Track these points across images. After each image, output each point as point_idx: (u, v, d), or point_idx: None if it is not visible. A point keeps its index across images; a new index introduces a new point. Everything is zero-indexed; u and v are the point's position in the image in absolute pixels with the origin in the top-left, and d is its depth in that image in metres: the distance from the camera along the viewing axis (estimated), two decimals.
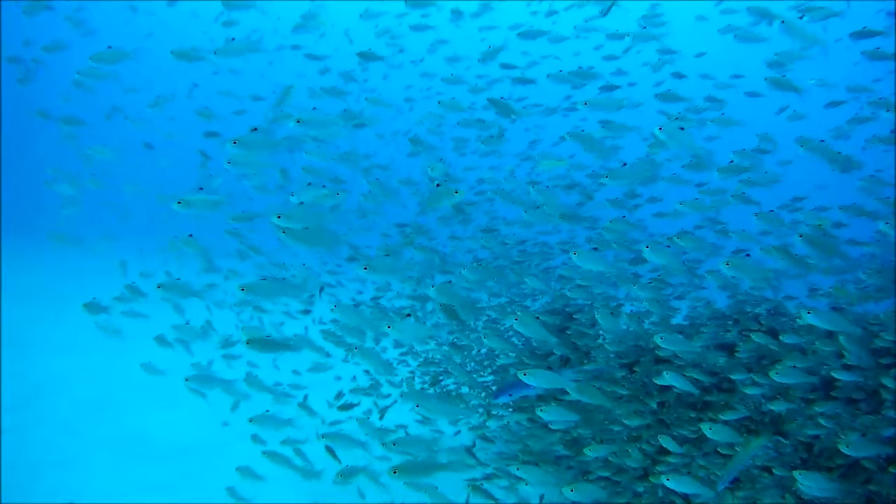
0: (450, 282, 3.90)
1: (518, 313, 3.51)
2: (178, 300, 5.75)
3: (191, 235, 5.06)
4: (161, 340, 5.78)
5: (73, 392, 7.00)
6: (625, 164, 3.83)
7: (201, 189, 3.57)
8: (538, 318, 3.73)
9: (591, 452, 4.01)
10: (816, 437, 3.88)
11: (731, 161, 4.48)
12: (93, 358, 8.13)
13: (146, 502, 4.96)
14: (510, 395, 3.97)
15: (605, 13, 4.82)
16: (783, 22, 4.56)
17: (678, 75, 7.06)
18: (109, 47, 4.56)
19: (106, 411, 6.61)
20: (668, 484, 3.48)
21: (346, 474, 3.79)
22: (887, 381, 3.62)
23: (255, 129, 3.40)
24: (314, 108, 3.56)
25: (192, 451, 5.94)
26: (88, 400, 6.84)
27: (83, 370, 7.70)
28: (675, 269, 3.97)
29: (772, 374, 3.50)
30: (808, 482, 3.24)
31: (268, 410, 4.39)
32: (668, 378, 3.83)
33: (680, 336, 3.73)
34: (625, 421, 4.06)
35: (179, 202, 3.48)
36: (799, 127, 6.61)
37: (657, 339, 3.69)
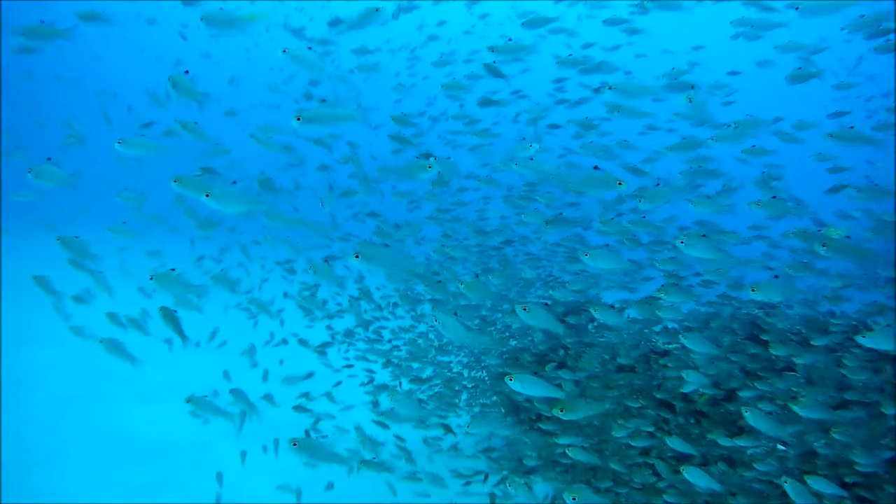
0: (477, 275, 3.72)
1: (526, 304, 3.25)
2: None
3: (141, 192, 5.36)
4: (113, 318, 5.41)
5: (52, 387, 6.70)
6: (658, 184, 3.66)
7: (49, 159, 3.66)
8: (547, 303, 3.52)
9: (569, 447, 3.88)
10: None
11: (764, 172, 4.36)
12: (71, 351, 7.74)
13: (130, 503, 4.73)
14: None
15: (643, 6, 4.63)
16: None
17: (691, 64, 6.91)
18: (42, 22, 4.17)
19: (86, 407, 6.32)
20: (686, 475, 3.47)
21: None
22: (888, 410, 3.61)
23: (187, 71, 3.48)
24: (323, 100, 3.32)
25: (176, 449, 5.71)
26: (68, 395, 6.54)
27: (62, 364, 7.36)
28: (719, 260, 3.66)
29: (795, 407, 3.43)
30: (818, 487, 3.23)
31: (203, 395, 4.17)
32: (688, 377, 3.73)
33: (703, 337, 3.60)
34: (631, 442, 3.97)
35: (30, 171, 3.59)
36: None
37: (682, 339, 3.56)
